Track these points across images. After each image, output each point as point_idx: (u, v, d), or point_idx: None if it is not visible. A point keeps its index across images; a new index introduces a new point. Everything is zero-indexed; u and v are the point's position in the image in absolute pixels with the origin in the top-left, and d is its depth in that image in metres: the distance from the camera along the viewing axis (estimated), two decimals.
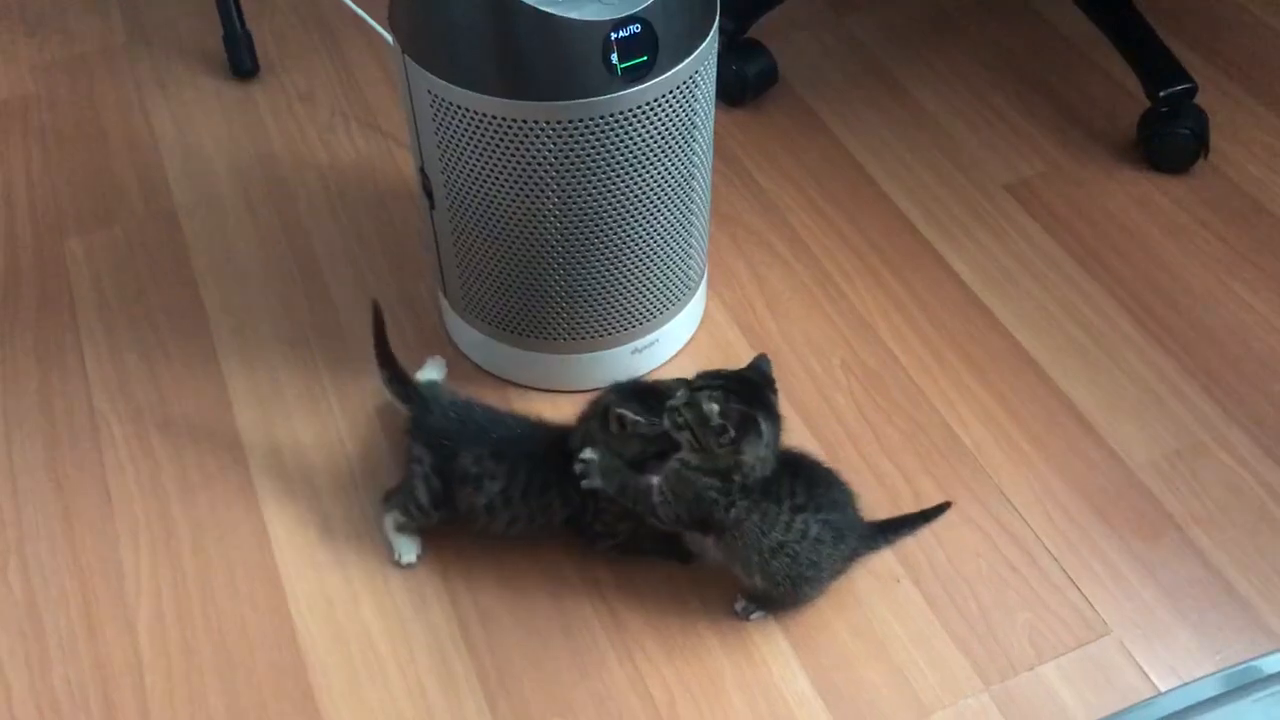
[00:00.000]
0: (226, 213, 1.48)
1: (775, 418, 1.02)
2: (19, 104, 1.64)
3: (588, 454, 1.03)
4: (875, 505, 1.15)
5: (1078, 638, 1.07)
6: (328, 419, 1.25)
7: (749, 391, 1.01)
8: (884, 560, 1.12)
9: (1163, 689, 1.03)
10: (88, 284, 1.39)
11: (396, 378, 1.13)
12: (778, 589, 1.04)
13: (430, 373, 1.24)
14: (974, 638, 1.07)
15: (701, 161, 1.16)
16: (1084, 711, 1.02)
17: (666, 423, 1.00)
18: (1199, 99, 1.48)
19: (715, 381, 1.00)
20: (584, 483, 1.03)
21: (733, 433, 0.97)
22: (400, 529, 1.12)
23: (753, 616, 1.08)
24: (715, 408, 0.97)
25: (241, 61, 1.65)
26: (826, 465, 1.09)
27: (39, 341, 1.33)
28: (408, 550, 1.11)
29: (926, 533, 1.14)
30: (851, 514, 1.06)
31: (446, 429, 1.09)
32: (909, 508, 1.15)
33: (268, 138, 1.58)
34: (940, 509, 1.11)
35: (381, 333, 1.12)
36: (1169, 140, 1.48)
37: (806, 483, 1.03)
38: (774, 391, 1.04)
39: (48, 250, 1.44)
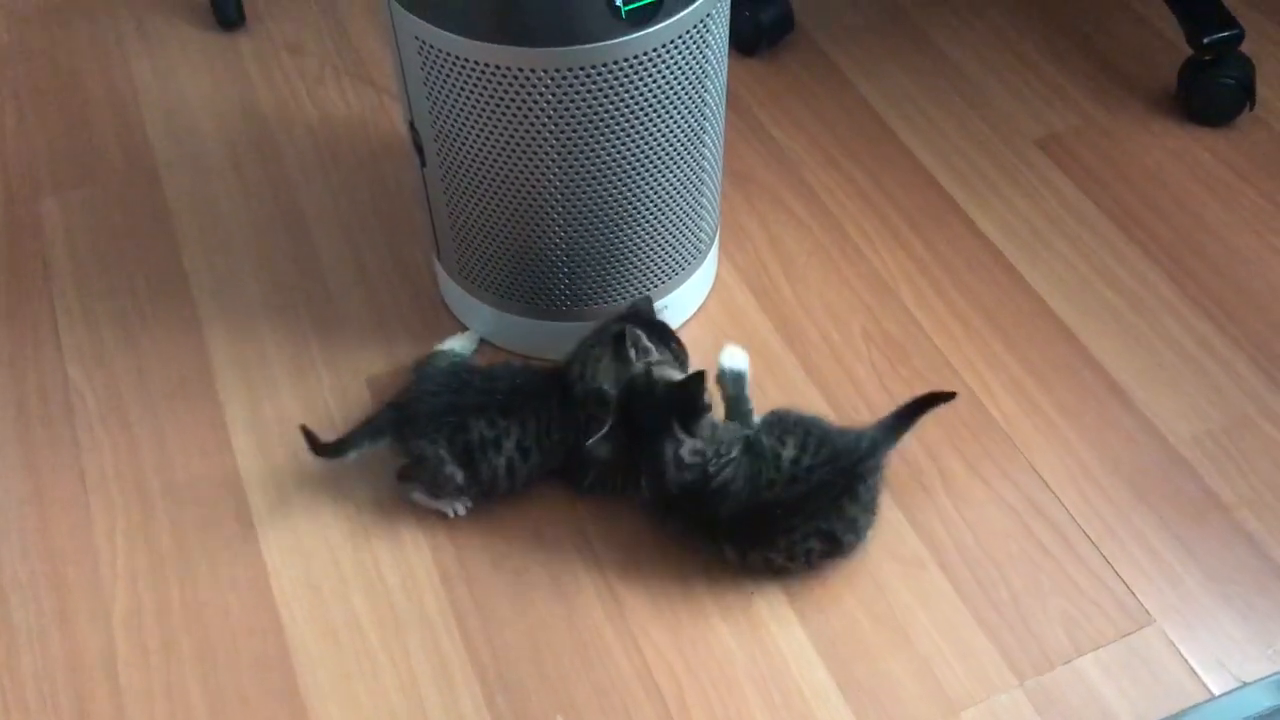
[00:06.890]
0: (210, 171, 1.40)
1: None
2: None
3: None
4: (898, 484, 1.08)
5: (1118, 628, 0.99)
6: (315, 390, 1.18)
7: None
8: (908, 544, 1.05)
9: (1211, 686, 0.96)
10: (63, 246, 1.32)
11: (347, 447, 1.05)
12: None
13: (455, 344, 1.17)
14: (1005, 627, 1.00)
15: (713, 114, 1.08)
16: (1128, 710, 0.95)
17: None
18: (1244, 46, 1.39)
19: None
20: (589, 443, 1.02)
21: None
22: (434, 495, 1.07)
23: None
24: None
25: (227, 10, 1.57)
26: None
27: (11, 308, 1.26)
28: (457, 506, 1.07)
29: (954, 514, 1.07)
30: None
31: (443, 407, 1.03)
32: (934, 486, 1.08)
33: (254, 91, 1.49)
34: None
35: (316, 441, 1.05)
36: (1212, 90, 1.39)
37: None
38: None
39: (22, 210, 1.36)
